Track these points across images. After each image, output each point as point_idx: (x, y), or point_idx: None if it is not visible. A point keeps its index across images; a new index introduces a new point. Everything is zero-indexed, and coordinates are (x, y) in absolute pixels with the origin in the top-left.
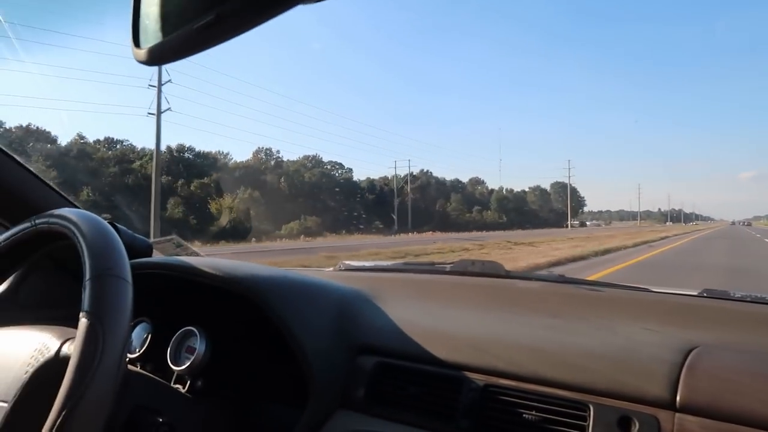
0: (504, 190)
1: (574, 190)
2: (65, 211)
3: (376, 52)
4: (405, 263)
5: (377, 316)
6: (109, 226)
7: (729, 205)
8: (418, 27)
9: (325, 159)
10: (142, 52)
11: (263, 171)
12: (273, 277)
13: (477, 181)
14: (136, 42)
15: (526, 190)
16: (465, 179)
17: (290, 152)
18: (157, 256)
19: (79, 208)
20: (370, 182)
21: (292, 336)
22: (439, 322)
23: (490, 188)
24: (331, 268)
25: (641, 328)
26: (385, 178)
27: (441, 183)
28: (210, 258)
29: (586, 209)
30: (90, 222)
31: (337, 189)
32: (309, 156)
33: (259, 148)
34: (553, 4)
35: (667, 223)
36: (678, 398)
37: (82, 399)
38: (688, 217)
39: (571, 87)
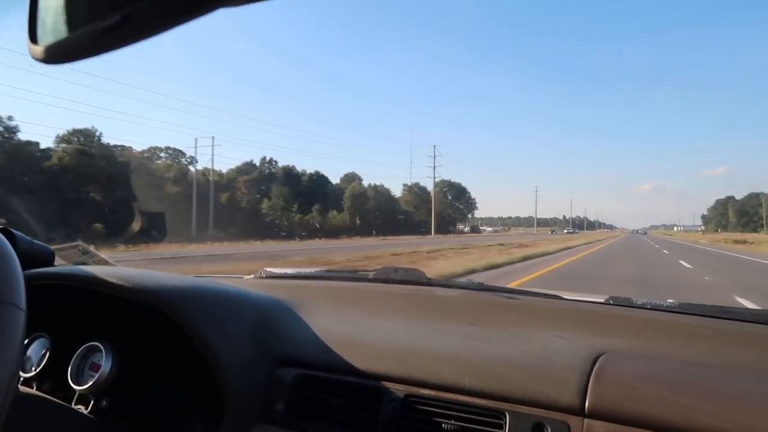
0: (368, 186)
1: (463, 191)
2: None
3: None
4: (327, 270)
5: (298, 327)
6: (2, 237)
7: (630, 213)
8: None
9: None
10: (39, 50)
11: None
12: (186, 287)
13: (351, 178)
14: (33, 37)
15: (401, 188)
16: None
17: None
18: (59, 265)
19: None
20: (181, 171)
21: (207, 349)
22: (361, 331)
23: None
24: (252, 276)
25: (554, 336)
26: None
27: (294, 177)
28: (117, 267)
29: (479, 213)
30: None
31: (107, 177)
32: (79, 129)
33: None
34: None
35: (569, 231)
36: (587, 404)
37: None
38: (592, 225)
39: (487, 94)
